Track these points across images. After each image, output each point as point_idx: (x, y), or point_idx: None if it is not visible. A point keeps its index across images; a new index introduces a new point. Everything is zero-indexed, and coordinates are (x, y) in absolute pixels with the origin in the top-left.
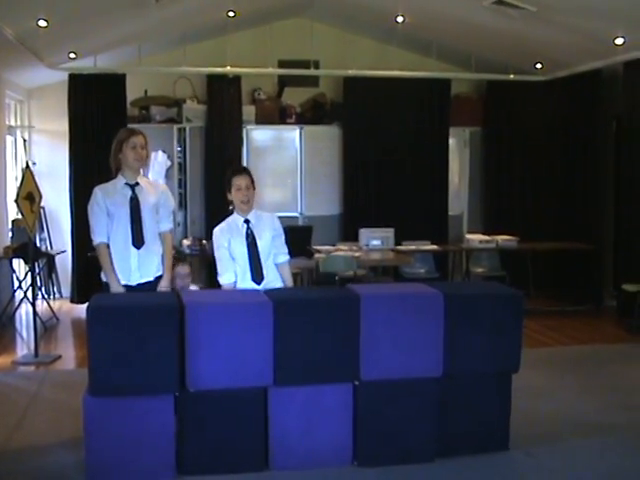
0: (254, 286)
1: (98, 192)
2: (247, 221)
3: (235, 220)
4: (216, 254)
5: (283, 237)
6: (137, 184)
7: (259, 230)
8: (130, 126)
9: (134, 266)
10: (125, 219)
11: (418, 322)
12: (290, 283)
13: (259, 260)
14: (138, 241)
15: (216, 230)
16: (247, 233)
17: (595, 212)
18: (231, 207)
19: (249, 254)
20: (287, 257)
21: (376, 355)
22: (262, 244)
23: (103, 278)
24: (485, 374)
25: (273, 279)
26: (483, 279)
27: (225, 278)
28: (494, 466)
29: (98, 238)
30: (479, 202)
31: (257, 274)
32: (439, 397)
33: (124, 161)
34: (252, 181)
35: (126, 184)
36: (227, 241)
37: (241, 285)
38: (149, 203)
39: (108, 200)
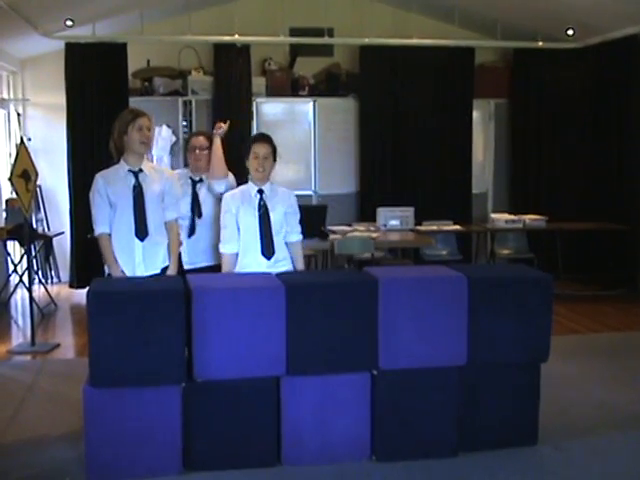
0: (262, 261)
1: (99, 179)
2: (261, 191)
3: (248, 189)
4: (222, 220)
5: (298, 216)
6: (141, 170)
7: (272, 203)
8: (132, 99)
9: (138, 258)
10: (128, 209)
11: (440, 307)
12: (301, 264)
13: (271, 234)
14: (142, 232)
15: (227, 195)
16: (260, 204)
17: (630, 189)
18: (249, 176)
19: (260, 226)
20: (300, 236)
21: (395, 343)
22: (274, 217)
23: (106, 270)
24: (512, 363)
25: (282, 258)
26: (509, 261)
27: (228, 247)
28: (521, 461)
29: (100, 228)
30: (505, 179)
31: (268, 248)
32: (463, 387)
33: (129, 145)
34: (273, 151)
35: (129, 171)
36: (236, 208)
37: (244, 259)
38: (154, 191)
39: (110, 188)
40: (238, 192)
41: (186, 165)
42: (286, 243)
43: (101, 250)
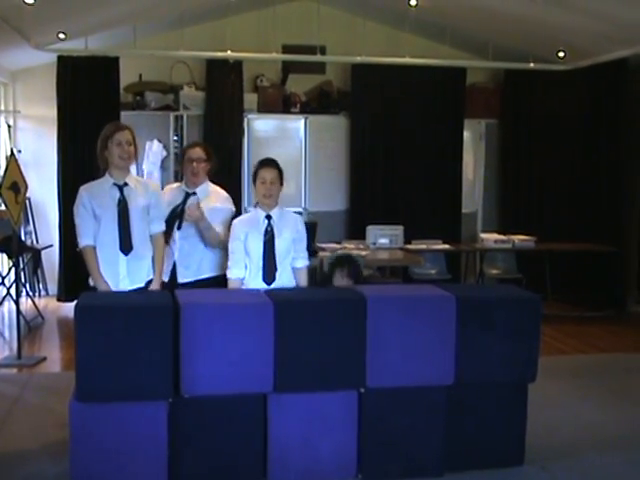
0: (263, 287)
1: (83, 193)
2: (269, 217)
3: (257, 215)
4: (230, 246)
5: (305, 242)
6: (126, 184)
7: (280, 228)
8: (124, 113)
9: (123, 272)
10: (112, 223)
11: (428, 326)
12: None
13: (274, 260)
14: (126, 247)
15: (235, 221)
16: (266, 230)
17: (619, 211)
18: (255, 202)
19: (264, 252)
20: (306, 262)
21: (383, 361)
22: (280, 243)
23: (91, 283)
24: (499, 383)
25: (286, 283)
26: (498, 281)
27: (234, 272)
28: None
29: (84, 241)
30: (495, 199)
31: (269, 274)
32: (450, 407)
33: (110, 159)
34: (280, 176)
35: (114, 184)
36: (244, 234)
37: (250, 283)
38: (138, 205)
39: (94, 202)
40: (246, 218)
41: (176, 178)
42: (292, 268)
43: (86, 263)
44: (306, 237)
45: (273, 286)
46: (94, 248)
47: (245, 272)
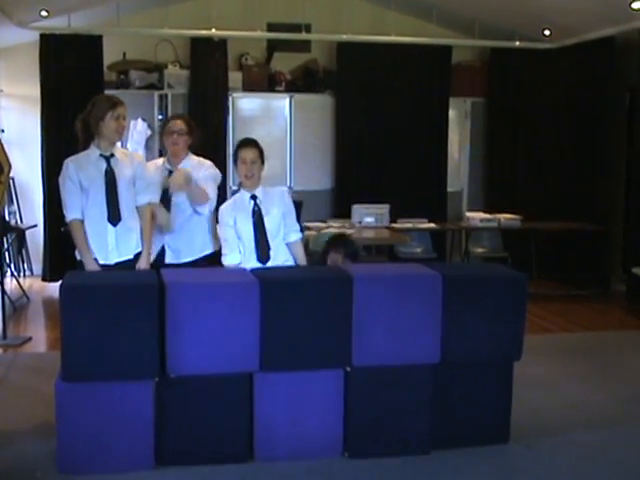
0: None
1: (70, 164)
2: (254, 197)
3: (242, 197)
4: (221, 234)
5: (294, 213)
6: (112, 155)
7: (267, 206)
8: (108, 92)
9: (112, 244)
10: (100, 194)
11: (414, 305)
12: (303, 263)
13: (266, 238)
14: (114, 217)
15: (222, 208)
16: (254, 210)
17: (604, 190)
18: (239, 183)
19: (255, 232)
20: (299, 235)
21: (369, 340)
22: (270, 221)
23: (77, 256)
24: (485, 361)
25: (283, 260)
26: (484, 260)
27: (229, 259)
28: (493, 459)
29: (72, 214)
30: (480, 178)
31: (263, 253)
32: (436, 385)
33: (104, 132)
34: (261, 155)
35: (101, 155)
36: (233, 219)
37: (246, 266)
38: (125, 176)
39: (81, 173)
40: (232, 202)
41: (161, 154)
42: (287, 244)
43: (73, 236)
44: (294, 209)
45: (270, 264)
46: (82, 222)
47: (240, 256)
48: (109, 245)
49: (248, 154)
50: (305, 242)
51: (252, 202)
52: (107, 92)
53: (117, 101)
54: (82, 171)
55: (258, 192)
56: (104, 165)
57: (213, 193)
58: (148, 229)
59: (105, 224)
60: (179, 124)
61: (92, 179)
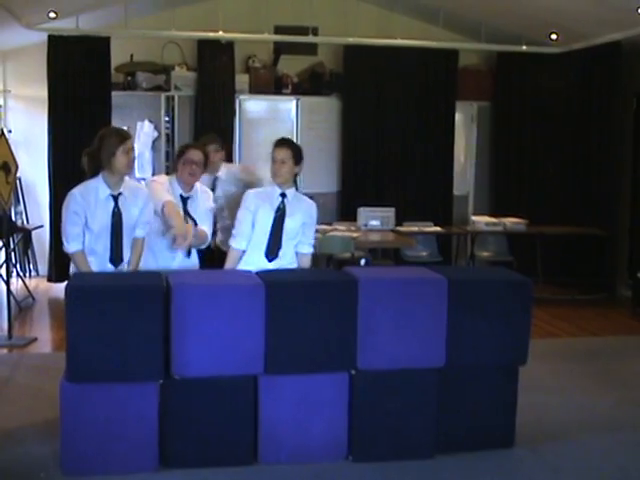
0: (264, 261)
1: (77, 197)
2: (283, 195)
3: (272, 190)
4: (238, 214)
5: (314, 229)
6: (120, 194)
7: (293, 209)
8: (115, 94)
9: None
10: (105, 233)
11: (420, 309)
12: None
13: (280, 237)
14: (116, 260)
15: (250, 191)
16: (279, 206)
17: (611, 195)
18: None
19: (273, 226)
20: (311, 250)
21: (374, 343)
22: (290, 223)
23: (72, 269)
24: (490, 366)
25: (287, 264)
26: (489, 264)
27: (237, 242)
28: (497, 464)
29: (74, 246)
30: (486, 182)
31: (272, 251)
32: (441, 389)
33: (116, 167)
34: (293, 156)
35: (110, 195)
36: (255, 206)
37: (249, 256)
38: (132, 216)
39: (88, 211)
40: (261, 190)
41: (167, 158)
42: (296, 252)
43: (77, 266)
44: (315, 224)
45: (273, 264)
46: (83, 251)
47: (246, 244)
48: None
49: (279, 154)
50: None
51: (280, 199)
52: (114, 93)
53: (126, 135)
54: (89, 208)
55: (289, 192)
56: (112, 205)
57: (209, 229)
58: (136, 260)
59: (106, 261)
60: (199, 155)
61: (99, 219)
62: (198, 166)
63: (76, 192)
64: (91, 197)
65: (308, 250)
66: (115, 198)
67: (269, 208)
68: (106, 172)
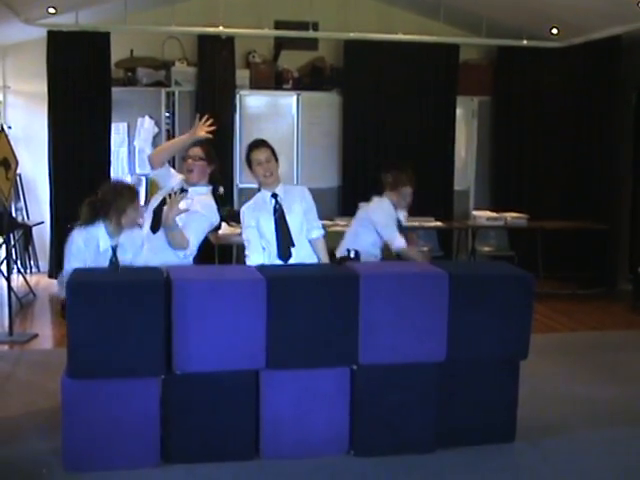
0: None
1: (80, 244)
2: (275, 195)
3: (263, 196)
4: (244, 235)
5: (315, 210)
6: (117, 244)
7: (289, 203)
8: (115, 89)
9: None
10: None
11: (421, 303)
12: (325, 259)
13: (288, 235)
14: None
15: (243, 209)
16: (275, 208)
17: (611, 190)
18: (258, 185)
19: (276, 229)
20: (321, 231)
21: (376, 338)
22: (292, 218)
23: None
24: (491, 360)
25: (306, 256)
26: (490, 259)
27: (253, 259)
28: (498, 458)
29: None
30: (487, 177)
31: (284, 250)
32: (442, 384)
33: (123, 223)
34: (273, 152)
35: (110, 246)
36: (255, 220)
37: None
38: (126, 260)
39: (89, 257)
40: (253, 203)
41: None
42: (309, 240)
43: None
44: (314, 206)
45: (292, 261)
46: None
47: (263, 256)
48: None
49: (262, 154)
50: None
51: (273, 200)
52: (114, 89)
53: (134, 191)
54: (89, 256)
55: (279, 190)
56: (110, 255)
57: (194, 242)
58: None
59: None
60: (196, 151)
61: (97, 262)
62: (194, 160)
63: (78, 236)
64: (92, 246)
65: (318, 233)
66: (114, 249)
67: (267, 214)
68: (111, 223)
